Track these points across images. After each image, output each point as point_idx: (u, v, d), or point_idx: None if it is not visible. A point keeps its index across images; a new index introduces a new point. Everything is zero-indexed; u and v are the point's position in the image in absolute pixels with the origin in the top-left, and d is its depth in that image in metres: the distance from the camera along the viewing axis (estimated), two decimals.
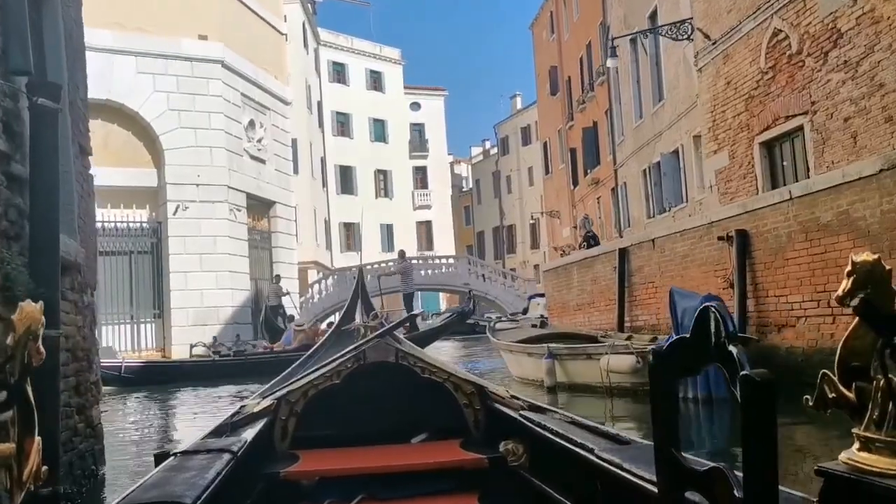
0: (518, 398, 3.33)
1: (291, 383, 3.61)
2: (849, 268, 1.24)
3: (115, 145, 18.78)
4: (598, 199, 30.60)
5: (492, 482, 3.04)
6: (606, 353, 8.59)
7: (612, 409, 7.96)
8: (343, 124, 47.11)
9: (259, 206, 21.96)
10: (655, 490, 1.50)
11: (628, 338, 9.49)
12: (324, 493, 3.02)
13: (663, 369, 1.37)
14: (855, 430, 1.25)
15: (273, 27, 23.63)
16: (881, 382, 1.23)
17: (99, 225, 18.62)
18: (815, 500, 1.34)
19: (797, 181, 10.18)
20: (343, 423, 3.55)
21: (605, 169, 29.30)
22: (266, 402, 3.42)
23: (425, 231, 51.95)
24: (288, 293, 22.85)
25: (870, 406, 1.24)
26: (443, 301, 55.82)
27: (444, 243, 52.57)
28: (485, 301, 39.79)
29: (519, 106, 53.69)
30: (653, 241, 10.40)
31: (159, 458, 2.58)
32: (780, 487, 1.18)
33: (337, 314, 34.93)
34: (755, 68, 11.38)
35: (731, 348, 1.21)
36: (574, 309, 12.52)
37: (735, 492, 1.15)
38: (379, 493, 3.00)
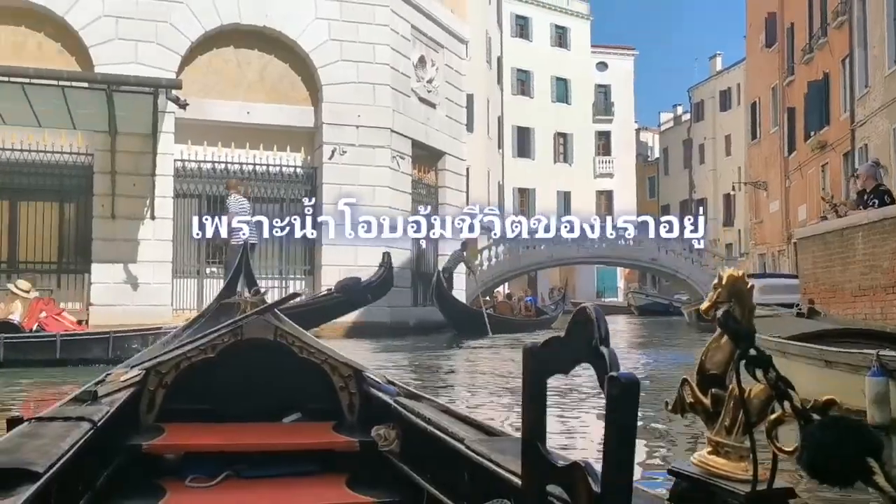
0: (395, 384, 3.17)
1: (163, 354, 3.42)
2: (715, 281, 1.35)
3: (271, 79, 16.88)
4: (822, 166, 25.70)
5: (362, 466, 2.91)
6: None
7: None
8: (523, 82, 44.13)
9: (426, 157, 19.40)
10: (520, 482, 1.53)
11: None
12: (188, 469, 2.81)
13: (535, 366, 1.38)
14: (707, 434, 1.35)
15: None
16: (734, 391, 1.31)
17: (251, 167, 16.98)
18: (666, 498, 1.44)
19: None
20: (214, 398, 3.29)
21: (836, 129, 24.39)
22: (134, 372, 3.23)
23: (605, 201, 48.00)
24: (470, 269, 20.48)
25: (722, 412, 1.34)
26: (620, 278, 51.90)
27: (625, 216, 48.60)
28: (673, 280, 35.79)
29: (719, 67, 48.31)
30: None
31: (12, 423, 2.31)
32: (635, 484, 1.20)
33: (505, 285, 32.59)
34: None
35: (604, 349, 1.20)
36: (854, 294, 8.57)
37: (593, 486, 1.18)
38: (245, 471, 2.85)
